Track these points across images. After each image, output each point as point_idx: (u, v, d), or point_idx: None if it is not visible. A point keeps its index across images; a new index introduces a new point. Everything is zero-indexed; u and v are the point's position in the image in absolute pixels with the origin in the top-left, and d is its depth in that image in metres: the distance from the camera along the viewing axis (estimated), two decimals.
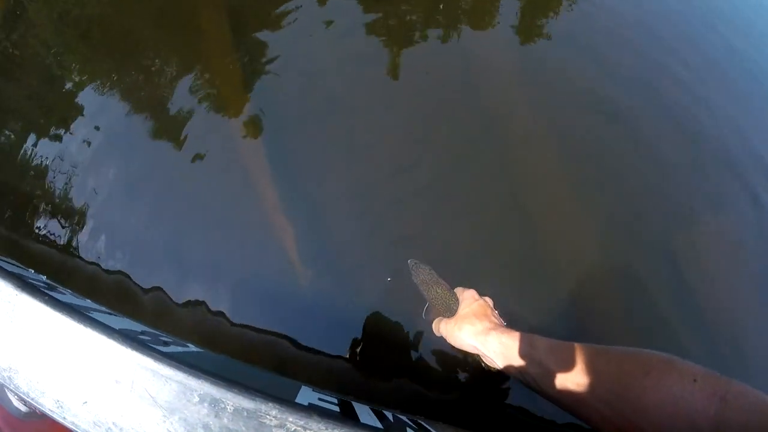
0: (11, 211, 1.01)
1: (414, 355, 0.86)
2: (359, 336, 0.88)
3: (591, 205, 1.09)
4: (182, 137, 1.05)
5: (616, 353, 0.54)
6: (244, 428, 0.38)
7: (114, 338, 0.39)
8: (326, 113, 1.10)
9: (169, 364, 0.38)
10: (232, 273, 0.94)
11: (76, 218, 0.99)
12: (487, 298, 0.76)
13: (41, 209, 1.00)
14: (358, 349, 0.86)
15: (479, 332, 0.66)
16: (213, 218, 0.99)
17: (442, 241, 0.98)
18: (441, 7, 1.32)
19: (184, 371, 0.38)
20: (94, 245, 0.97)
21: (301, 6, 1.24)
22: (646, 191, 1.11)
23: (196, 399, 0.38)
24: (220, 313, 0.89)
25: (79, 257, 0.95)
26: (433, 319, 0.79)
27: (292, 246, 0.94)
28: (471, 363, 0.83)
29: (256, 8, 1.25)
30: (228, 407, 0.38)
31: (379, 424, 0.47)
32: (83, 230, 0.98)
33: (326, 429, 0.38)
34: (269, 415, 0.38)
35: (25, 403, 0.66)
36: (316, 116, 1.09)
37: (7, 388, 0.41)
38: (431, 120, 1.12)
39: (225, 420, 0.38)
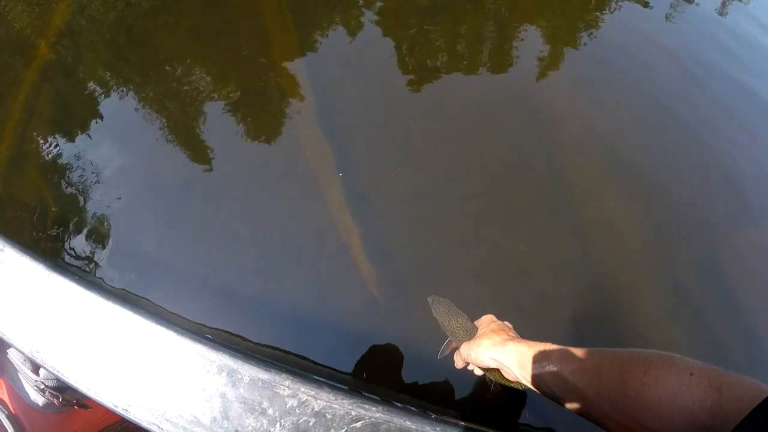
0: (33, 224, 0.99)
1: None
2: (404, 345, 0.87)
3: (640, 216, 1.10)
4: (240, 142, 1.05)
5: (619, 354, 0.56)
6: (259, 398, 0.40)
7: (138, 313, 0.41)
8: (383, 121, 1.14)
9: (190, 337, 0.40)
10: (290, 278, 0.93)
11: (106, 236, 0.93)
12: (506, 323, 0.78)
13: (73, 223, 0.97)
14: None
15: (497, 343, 0.68)
16: (271, 222, 0.97)
17: (490, 247, 0.99)
18: (493, 25, 1.37)
19: (204, 344, 0.40)
20: (122, 268, 0.90)
21: (361, 17, 1.30)
22: (693, 202, 1.13)
23: (215, 369, 0.40)
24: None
25: (104, 281, 0.89)
26: (453, 353, 0.80)
27: (358, 245, 0.93)
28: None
29: (317, 16, 1.31)
30: (244, 378, 0.40)
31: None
32: (113, 250, 0.91)
33: (335, 399, 0.40)
34: (283, 385, 0.40)
35: (43, 394, 0.68)
36: (373, 124, 1.13)
37: (34, 361, 0.44)
38: (482, 130, 1.15)
39: (241, 390, 0.40)
